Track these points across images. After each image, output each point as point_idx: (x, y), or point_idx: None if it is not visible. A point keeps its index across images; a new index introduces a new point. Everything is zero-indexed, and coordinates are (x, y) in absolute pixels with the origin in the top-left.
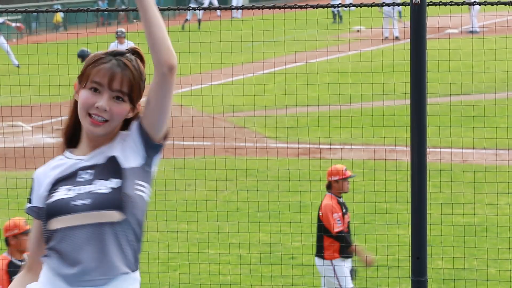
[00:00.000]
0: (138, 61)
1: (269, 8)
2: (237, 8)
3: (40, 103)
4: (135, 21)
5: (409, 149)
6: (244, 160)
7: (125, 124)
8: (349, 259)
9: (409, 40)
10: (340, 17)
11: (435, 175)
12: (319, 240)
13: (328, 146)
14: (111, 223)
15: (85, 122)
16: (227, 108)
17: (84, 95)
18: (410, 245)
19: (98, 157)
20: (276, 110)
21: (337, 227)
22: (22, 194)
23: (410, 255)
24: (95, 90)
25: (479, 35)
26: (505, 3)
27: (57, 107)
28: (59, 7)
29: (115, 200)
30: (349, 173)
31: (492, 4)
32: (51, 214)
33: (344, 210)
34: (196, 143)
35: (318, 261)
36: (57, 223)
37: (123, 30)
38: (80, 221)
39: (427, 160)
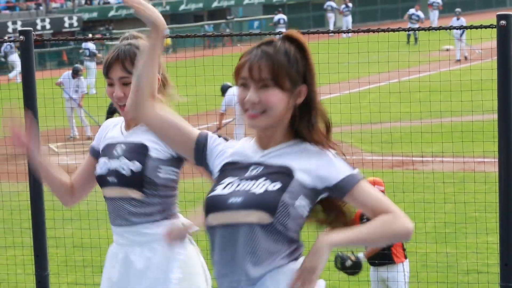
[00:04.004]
0: (291, 45)
1: (364, 31)
2: (334, 32)
3: None
4: (239, 44)
5: (497, 161)
6: None
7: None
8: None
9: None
10: (416, 39)
11: None
12: None
13: (420, 159)
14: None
15: (245, 118)
16: None
17: (237, 93)
18: (499, 251)
19: (272, 159)
20: (371, 125)
21: None
22: None
23: (499, 261)
24: (244, 85)
25: None
26: None
27: None
28: (168, 31)
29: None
30: None
31: None
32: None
33: None
34: None
35: None
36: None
37: None
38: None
39: None
